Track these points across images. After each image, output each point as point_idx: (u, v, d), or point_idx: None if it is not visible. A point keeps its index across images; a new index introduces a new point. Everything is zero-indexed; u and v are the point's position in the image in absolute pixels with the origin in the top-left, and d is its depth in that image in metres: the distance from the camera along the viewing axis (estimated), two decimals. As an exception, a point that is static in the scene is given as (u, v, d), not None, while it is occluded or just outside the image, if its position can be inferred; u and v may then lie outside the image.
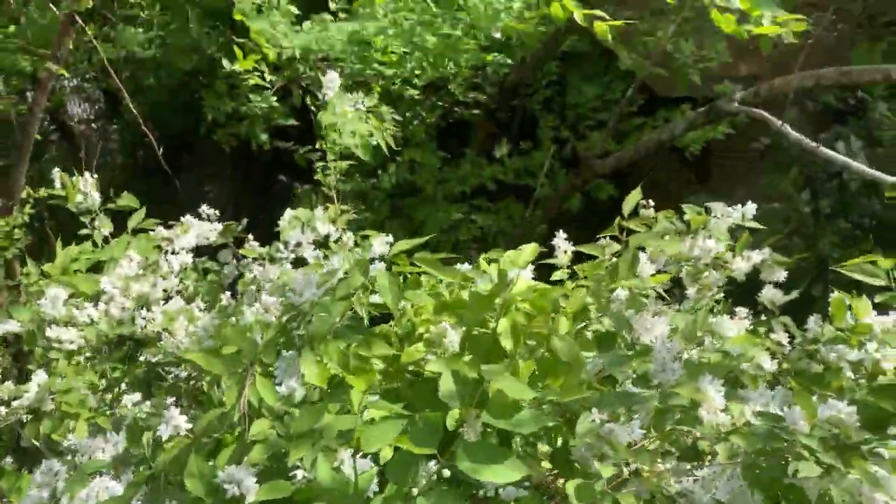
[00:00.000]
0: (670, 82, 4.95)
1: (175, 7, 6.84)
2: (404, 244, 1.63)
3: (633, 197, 1.78)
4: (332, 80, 2.39)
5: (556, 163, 5.32)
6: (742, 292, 2.13)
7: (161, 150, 4.53)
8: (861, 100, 4.81)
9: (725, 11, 2.85)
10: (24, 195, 4.44)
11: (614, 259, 1.75)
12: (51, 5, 4.07)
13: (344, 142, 2.45)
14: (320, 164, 2.63)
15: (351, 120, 2.43)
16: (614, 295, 1.67)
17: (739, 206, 1.83)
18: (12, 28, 4.80)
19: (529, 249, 1.51)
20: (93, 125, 8.67)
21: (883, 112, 4.36)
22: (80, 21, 4.07)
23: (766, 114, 2.94)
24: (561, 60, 5.61)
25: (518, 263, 1.54)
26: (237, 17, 3.58)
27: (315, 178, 2.71)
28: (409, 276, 1.79)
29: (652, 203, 1.85)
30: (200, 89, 6.09)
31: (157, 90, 7.11)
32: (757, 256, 1.83)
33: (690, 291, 1.87)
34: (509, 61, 4.89)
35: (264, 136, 4.02)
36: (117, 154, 8.69)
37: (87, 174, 2.25)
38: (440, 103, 5.27)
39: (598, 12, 3.03)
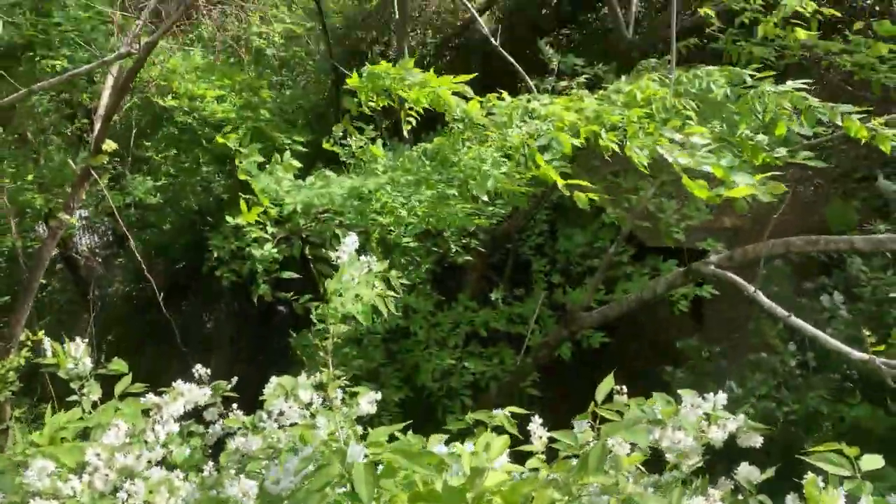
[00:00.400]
0: (656, 233, 5.15)
1: (188, 150, 7.27)
2: (382, 433, 1.68)
3: (607, 384, 1.85)
4: (348, 245, 2.31)
5: (546, 310, 5.43)
6: (719, 459, 2.15)
7: (162, 294, 4.65)
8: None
9: (697, 178, 2.99)
10: (22, 337, 4.50)
11: (590, 444, 1.79)
12: (69, 161, 4.34)
13: (347, 309, 2.44)
14: (320, 325, 2.68)
15: (358, 285, 2.42)
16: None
17: (711, 395, 1.89)
18: (30, 176, 5.08)
19: (500, 443, 1.57)
20: (98, 258, 8.89)
21: (860, 267, 4.50)
22: (95, 174, 4.30)
23: (739, 280, 3.07)
24: (552, 210, 5.87)
25: (491, 456, 1.58)
26: (242, 177, 3.80)
27: (315, 340, 2.77)
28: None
29: (625, 389, 1.93)
30: (207, 228, 6.33)
31: (165, 230, 7.38)
32: (732, 424, 1.87)
33: (670, 456, 1.90)
34: (501, 211, 5.13)
35: (264, 286, 4.16)
36: (121, 285, 8.86)
37: (78, 340, 2.32)
38: (435, 249, 5.47)
39: (582, 182, 3.21)
